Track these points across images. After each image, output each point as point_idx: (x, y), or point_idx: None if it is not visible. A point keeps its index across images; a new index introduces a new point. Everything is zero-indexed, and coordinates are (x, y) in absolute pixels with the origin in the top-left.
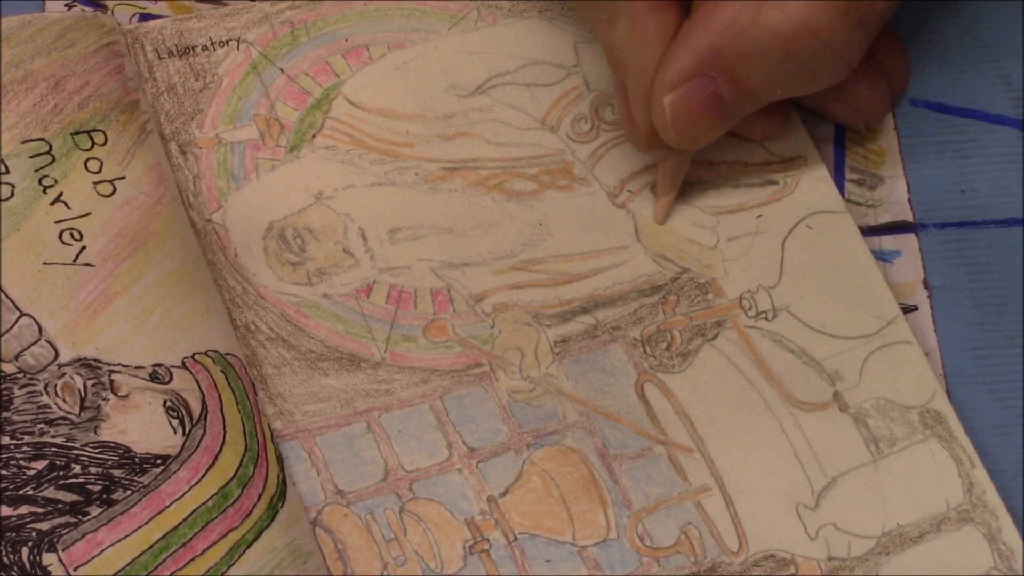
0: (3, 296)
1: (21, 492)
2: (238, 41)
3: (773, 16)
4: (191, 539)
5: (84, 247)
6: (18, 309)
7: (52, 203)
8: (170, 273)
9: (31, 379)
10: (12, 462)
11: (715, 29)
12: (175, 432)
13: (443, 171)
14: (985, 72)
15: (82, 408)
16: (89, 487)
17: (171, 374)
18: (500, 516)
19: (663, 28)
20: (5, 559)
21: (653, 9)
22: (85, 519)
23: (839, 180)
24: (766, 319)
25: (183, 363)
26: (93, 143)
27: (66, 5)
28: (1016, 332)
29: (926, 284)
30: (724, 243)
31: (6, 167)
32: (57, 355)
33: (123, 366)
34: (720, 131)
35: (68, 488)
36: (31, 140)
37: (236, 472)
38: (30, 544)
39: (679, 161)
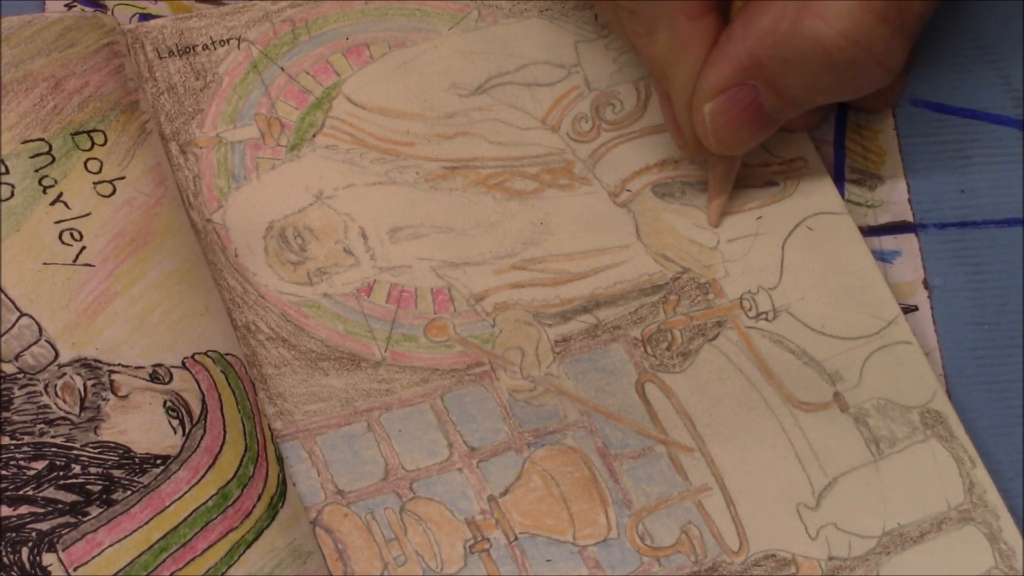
0: (3, 296)
1: (21, 492)
2: (238, 40)
3: (813, 24)
4: (191, 539)
5: (84, 247)
6: (18, 309)
7: (52, 203)
8: (170, 273)
9: (31, 379)
10: (12, 462)
11: (754, 37)
12: (175, 432)
13: (444, 170)
14: (985, 72)
15: (82, 408)
16: (89, 487)
17: (171, 374)
18: (500, 515)
19: (703, 36)
20: (5, 559)
21: (692, 17)
22: (85, 519)
23: (839, 180)
24: (766, 320)
25: (183, 363)
26: (93, 143)
27: (66, 5)
28: (1016, 332)
29: (926, 284)
30: (724, 244)
31: (6, 167)
32: (57, 355)
33: (123, 366)
34: (762, 137)
35: (68, 488)
36: (31, 140)
37: (236, 472)
38: (30, 544)
39: (728, 166)
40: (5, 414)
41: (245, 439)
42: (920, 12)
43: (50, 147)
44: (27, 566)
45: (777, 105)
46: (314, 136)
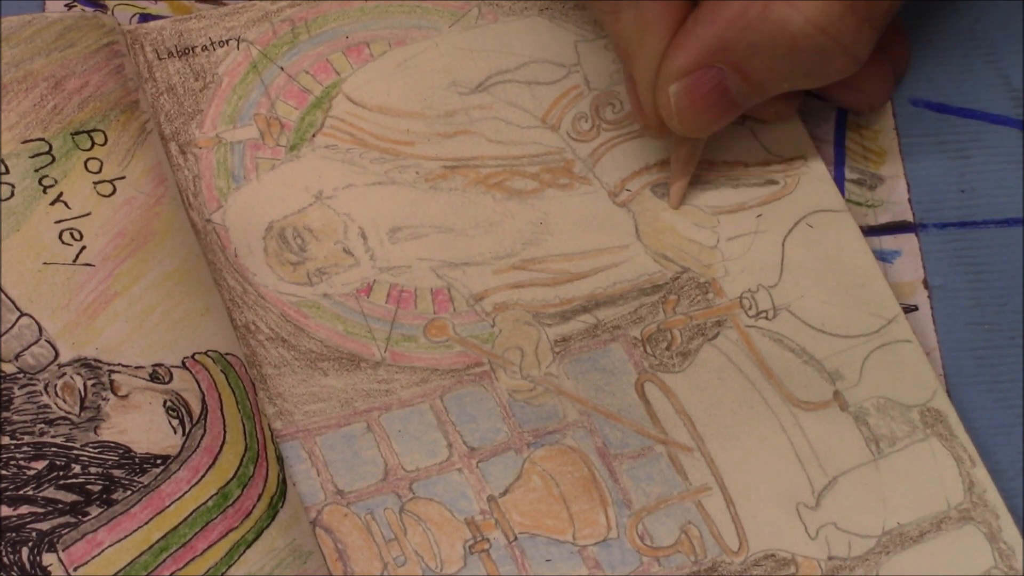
0: (3, 296)
1: (21, 492)
2: (238, 40)
3: (782, 11)
4: (191, 539)
5: (84, 247)
6: (18, 309)
7: (52, 203)
8: (170, 273)
9: (31, 379)
10: (12, 462)
11: (723, 21)
12: (175, 432)
13: (443, 169)
14: (985, 72)
15: (82, 408)
16: (89, 487)
17: (171, 374)
18: (500, 516)
19: (669, 16)
20: (5, 559)
21: None
22: (85, 519)
23: (839, 180)
24: (766, 318)
25: (183, 363)
26: (93, 143)
27: (66, 5)
28: (1016, 332)
29: (926, 284)
30: (724, 243)
31: (6, 167)
32: (57, 355)
33: (123, 366)
34: (726, 120)
35: (68, 488)
36: (31, 140)
37: (236, 472)
38: (30, 544)
39: (691, 147)
40: (5, 414)
41: (245, 439)
42: (889, 5)
43: (50, 147)
44: (27, 566)
45: (743, 89)
46: (314, 136)
